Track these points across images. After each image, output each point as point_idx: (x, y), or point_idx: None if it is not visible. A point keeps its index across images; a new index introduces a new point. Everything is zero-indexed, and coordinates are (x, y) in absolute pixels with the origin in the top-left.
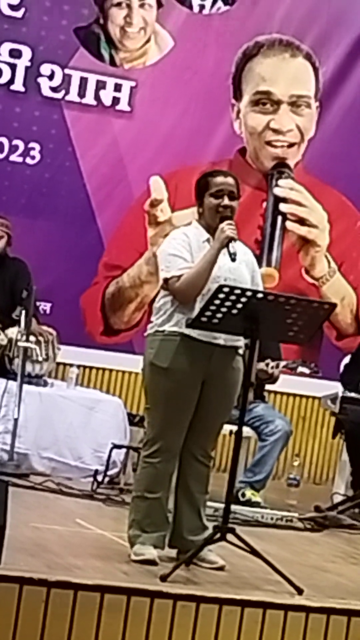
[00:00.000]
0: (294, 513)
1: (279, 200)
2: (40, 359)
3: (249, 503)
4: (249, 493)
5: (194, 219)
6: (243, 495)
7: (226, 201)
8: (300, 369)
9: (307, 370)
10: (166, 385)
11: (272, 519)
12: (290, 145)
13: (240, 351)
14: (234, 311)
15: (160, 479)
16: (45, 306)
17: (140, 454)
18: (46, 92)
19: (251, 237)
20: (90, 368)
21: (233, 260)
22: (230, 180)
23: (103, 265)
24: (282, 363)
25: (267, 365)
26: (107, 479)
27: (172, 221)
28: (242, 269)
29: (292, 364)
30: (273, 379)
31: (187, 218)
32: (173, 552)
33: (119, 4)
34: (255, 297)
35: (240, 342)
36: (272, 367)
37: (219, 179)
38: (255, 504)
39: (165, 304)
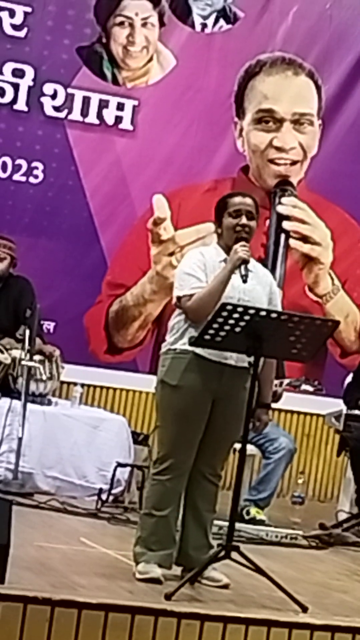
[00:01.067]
0: (298, 531)
1: (282, 218)
2: (44, 377)
3: (254, 521)
4: (253, 511)
5: (215, 240)
6: (247, 513)
7: (244, 220)
8: (304, 387)
9: (310, 388)
10: (176, 402)
11: (276, 536)
12: (293, 163)
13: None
14: (237, 329)
15: (168, 496)
16: (49, 325)
17: (144, 472)
18: (49, 111)
19: (254, 255)
20: (94, 387)
21: (244, 281)
22: (248, 200)
23: (106, 284)
24: (286, 381)
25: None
26: (111, 497)
27: (175, 239)
28: (258, 290)
29: (295, 381)
30: (276, 398)
31: (190, 236)
32: (177, 570)
33: (121, 23)
34: (258, 315)
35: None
36: (275, 385)
37: (237, 199)
38: (260, 522)
39: (179, 323)
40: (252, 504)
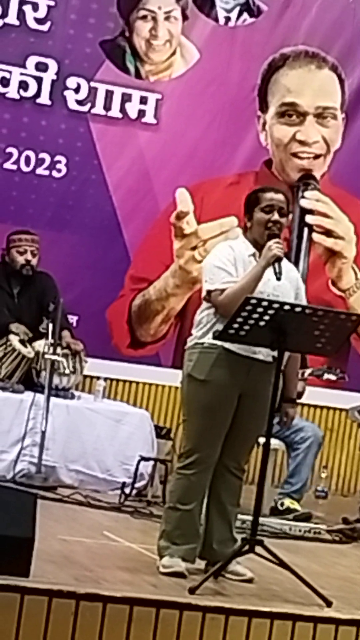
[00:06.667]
0: (322, 525)
1: (305, 212)
2: (67, 371)
3: (288, 511)
4: (287, 502)
5: (241, 233)
6: (282, 504)
7: (276, 216)
8: (327, 376)
9: (333, 377)
10: (203, 397)
11: (300, 531)
12: (316, 156)
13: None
14: (262, 323)
15: (193, 491)
16: (72, 319)
17: (167, 466)
18: (72, 105)
19: None
20: (117, 381)
21: (278, 279)
22: (280, 196)
23: (129, 278)
24: (308, 371)
25: None
26: (134, 491)
27: (198, 233)
28: (286, 285)
29: (317, 371)
30: (299, 394)
31: (213, 230)
32: (201, 564)
33: (144, 17)
34: (282, 309)
35: None
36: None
37: (270, 195)
38: (294, 512)
39: (207, 316)
40: (286, 497)
